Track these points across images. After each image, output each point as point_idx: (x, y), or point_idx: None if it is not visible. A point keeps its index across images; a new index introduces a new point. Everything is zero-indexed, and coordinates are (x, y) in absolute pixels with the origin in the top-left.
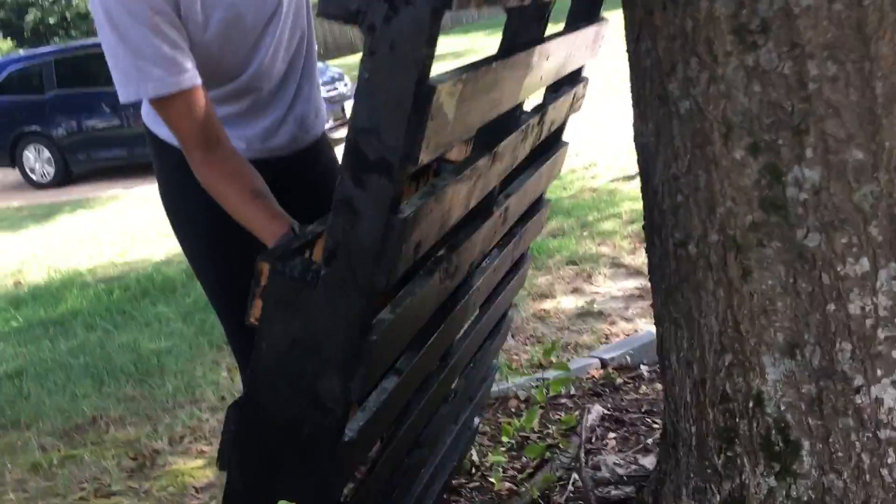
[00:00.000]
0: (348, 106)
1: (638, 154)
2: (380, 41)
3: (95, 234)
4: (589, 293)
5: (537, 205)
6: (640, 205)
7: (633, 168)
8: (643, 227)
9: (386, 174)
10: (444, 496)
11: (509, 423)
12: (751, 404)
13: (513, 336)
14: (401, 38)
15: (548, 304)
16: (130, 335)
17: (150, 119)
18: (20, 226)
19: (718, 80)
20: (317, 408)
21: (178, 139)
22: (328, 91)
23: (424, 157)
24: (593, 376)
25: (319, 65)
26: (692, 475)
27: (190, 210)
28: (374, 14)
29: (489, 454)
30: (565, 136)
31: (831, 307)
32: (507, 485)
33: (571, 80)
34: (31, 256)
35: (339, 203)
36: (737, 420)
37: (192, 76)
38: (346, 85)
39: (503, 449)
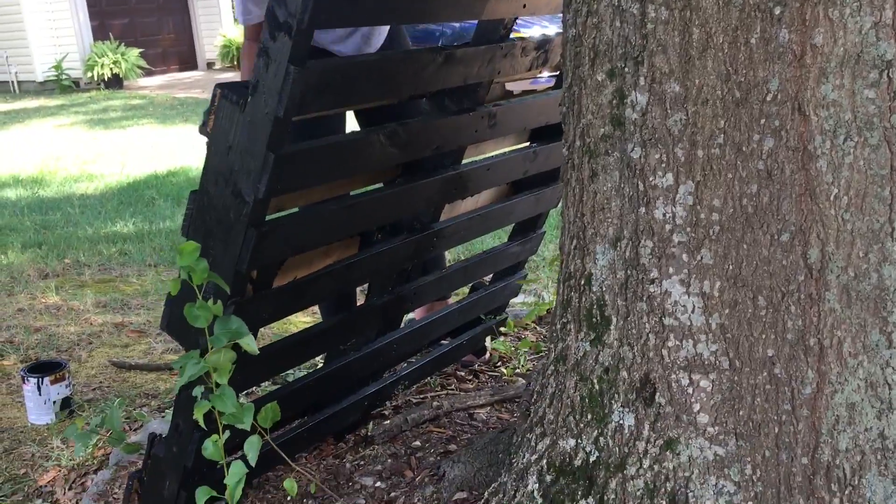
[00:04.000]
0: None
1: None
2: None
3: None
4: None
5: None
6: None
7: None
8: None
9: (288, 33)
10: (461, 373)
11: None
12: (582, 282)
13: None
14: None
15: None
16: None
17: None
18: None
19: (594, 13)
20: (238, 198)
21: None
22: None
23: (321, 27)
24: None
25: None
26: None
27: None
28: None
29: (514, 353)
30: None
31: (642, 210)
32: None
33: None
34: None
35: (261, 50)
36: (573, 294)
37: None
38: None
39: (526, 349)
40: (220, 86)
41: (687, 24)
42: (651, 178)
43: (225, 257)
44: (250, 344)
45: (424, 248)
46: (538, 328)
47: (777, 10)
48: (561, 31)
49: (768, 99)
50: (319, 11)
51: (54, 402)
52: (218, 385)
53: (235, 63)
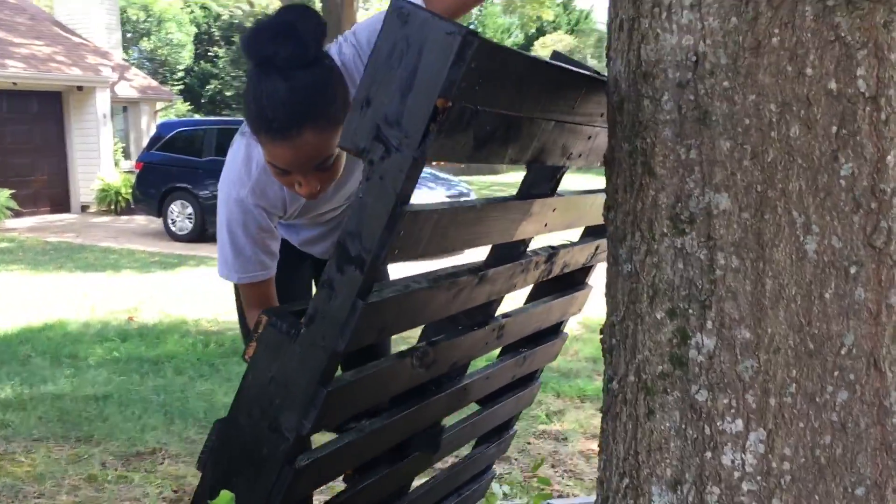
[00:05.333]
0: None
1: None
2: (374, 172)
3: (209, 290)
4: None
5: (551, 334)
6: None
7: None
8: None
9: (360, 267)
10: None
11: None
12: None
13: (552, 466)
14: (388, 173)
15: (597, 446)
16: (210, 386)
17: None
18: (148, 269)
19: (653, 253)
20: (276, 433)
21: (244, 299)
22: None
23: (391, 261)
24: None
25: (451, 178)
26: None
27: None
28: (375, 153)
29: None
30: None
31: (708, 455)
32: None
33: (598, 232)
34: (148, 298)
35: (324, 282)
36: None
37: (269, 272)
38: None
39: None
40: (268, 312)
41: (759, 275)
42: (719, 423)
43: (251, 497)
44: None
45: (421, 467)
46: None
47: (853, 270)
48: (562, 244)
49: (842, 353)
50: (395, 247)
51: None
52: None
53: (112, 207)
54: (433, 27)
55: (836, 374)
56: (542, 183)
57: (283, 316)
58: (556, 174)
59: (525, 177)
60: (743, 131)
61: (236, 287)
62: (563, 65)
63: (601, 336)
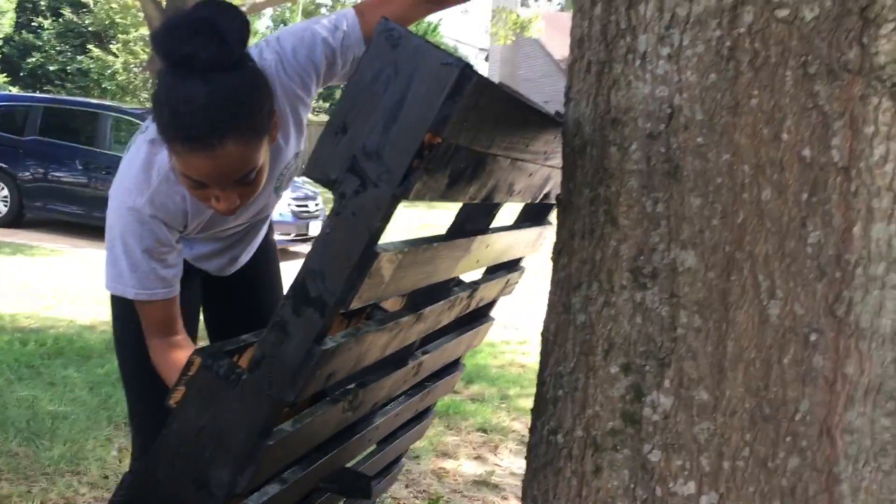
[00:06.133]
0: (313, 225)
1: (541, 345)
2: (346, 207)
3: (28, 283)
4: (491, 463)
5: (452, 367)
6: None
7: None
8: (531, 410)
9: (320, 311)
10: None
11: None
12: None
13: (406, 486)
14: (362, 210)
15: (448, 465)
16: (32, 391)
17: None
18: None
19: (611, 305)
20: (202, 490)
21: (143, 320)
22: (297, 207)
23: (355, 305)
24: None
25: (296, 179)
26: None
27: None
28: (348, 186)
29: None
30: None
31: None
32: None
33: (508, 266)
34: None
35: (276, 324)
36: None
37: (171, 290)
38: (317, 205)
39: None
40: (202, 353)
41: (722, 336)
42: (671, 485)
43: None
44: None
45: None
46: None
47: (813, 337)
48: (480, 279)
49: (797, 418)
50: (362, 289)
51: None
52: None
53: None
54: (427, 56)
55: (788, 439)
56: (479, 218)
57: (219, 357)
58: (493, 210)
59: (459, 212)
60: (714, 190)
61: (115, 301)
62: (531, 103)
63: (541, 385)
